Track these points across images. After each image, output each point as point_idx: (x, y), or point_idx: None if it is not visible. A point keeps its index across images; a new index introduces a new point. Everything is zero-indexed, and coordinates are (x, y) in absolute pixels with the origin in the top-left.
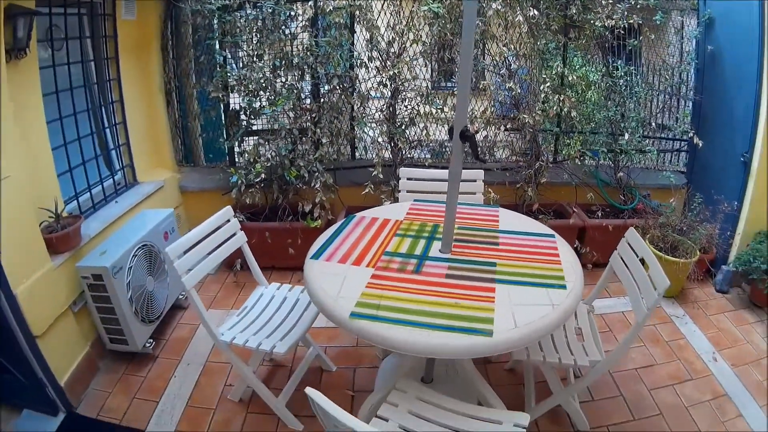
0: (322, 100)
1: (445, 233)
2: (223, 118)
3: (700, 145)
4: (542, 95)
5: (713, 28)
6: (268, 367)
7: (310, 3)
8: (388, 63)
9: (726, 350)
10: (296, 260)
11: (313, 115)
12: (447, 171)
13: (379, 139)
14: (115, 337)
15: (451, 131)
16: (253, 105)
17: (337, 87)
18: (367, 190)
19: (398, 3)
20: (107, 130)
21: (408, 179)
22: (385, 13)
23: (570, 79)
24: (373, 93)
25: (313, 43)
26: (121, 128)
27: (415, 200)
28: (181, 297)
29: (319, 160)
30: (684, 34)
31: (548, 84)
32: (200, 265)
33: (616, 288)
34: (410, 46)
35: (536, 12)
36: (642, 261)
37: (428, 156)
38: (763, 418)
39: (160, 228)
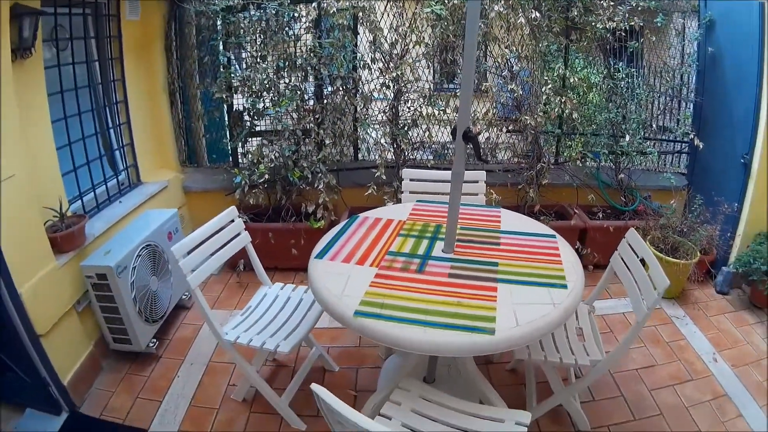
0: (325, 101)
1: (448, 233)
2: (226, 118)
3: (701, 146)
4: (544, 97)
5: (714, 30)
6: (271, 367)
7: (313, 4)
8: (391, 64)
9: (726, 351)
10: (299, 261)
11: (317, 116)
12: (449, 172)
13: (382, 141)
14: (118, 337)
15: (454, 132)
16: (257, 106)
17: (341, 88)
18: (370, 191)
19: (401, 5)
20: (111, 131)
21: (411, 180)
22: (388, 15)
23: (571, 81)
24: (376, 94)
25: (317, 44)
26: (125, 128)
27: (418, 201)
28: (184, 297)
29: (322, 161)
30: (685, 36)
31: (550, 86)
32: (204, 264)
33: (616, 289)
34: (413, 47)
35: (538, 14)
36: (642, 261)
37: (431, 157)
38: (763, 419)
39: (164, 228)
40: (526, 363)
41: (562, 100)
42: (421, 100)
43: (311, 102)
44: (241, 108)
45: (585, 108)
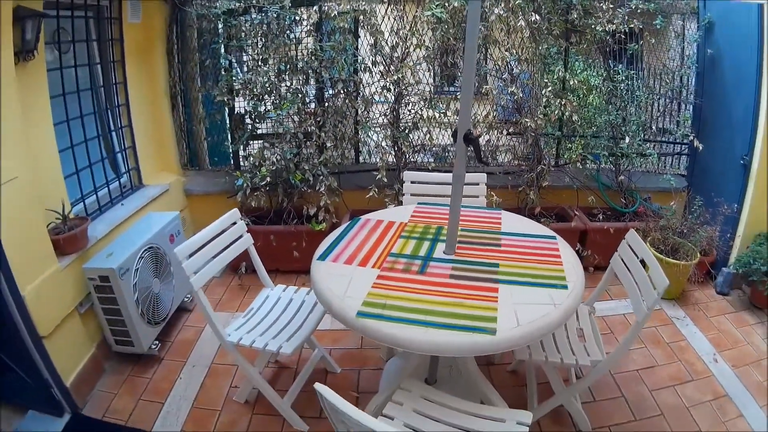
0: (326, 104)
1: (449, 235)
2: (228, 121)
3: (701, 148)
4: (544, 99)
5: (713, 32)
6: (273, 369)
7: (314, 8)
8: (392, 67)
9: (726, 351)
10: (301, 263)
11: (318, 119)
12: (450, 175)
13: (383, 143)
14: (121, 339)
15: (455, 134)
16: (258, 109)
17: (342, 91)
18: (371, 194)
19: (402, 8)
20: (113, 133)
21: (412, 182)
22: (389, 18)
23: (571, 83)
24: (377, 97)
25: (318, 47)
26: (126, 131)
27: (419, 203)
28: (186, 299)
29: (323, 163)
30: (685, 38)
31: (550, 88)
32: (207, 266)
33: (617, 291)
34: (414, 50)
35: (538, 17)
36: (642, 263)
37: (431, 160)
38: (764, 418)
39: (166, 230)
40: (527, 364)
41: (562, 103)
42: (422, 103)
43: (312, 105)
44: (242, 111)
45: (585, 110)
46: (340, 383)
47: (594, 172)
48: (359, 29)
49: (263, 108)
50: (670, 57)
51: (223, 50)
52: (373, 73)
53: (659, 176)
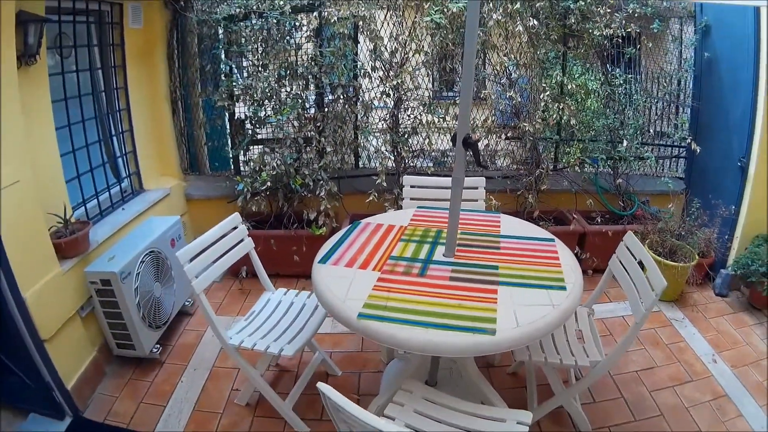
0: (326, 109)
1: (449, 237)
2: (228, 126)
3: (698, 150)
4: (542, 104)
5: (710, 35)
6: (274, 372)
7: (314, 14)
8: (391, 73)
9: (725, 352)
10: (301, 267)
11: (318, 125)
12: (450, 179)
13: (383, 148)
14: (122, 342)
15: (454, 139)
16: (259, 114)
17: (341, 96)
18: (371, 198)
19: (401, 13)
20: (114, 138)
21: (411, 186)
22: (388, 24)
23: (569, 87)
24: (376, 102)
25: (318, 53)
26: (127, 136)
27: (418, 207)
28: (187, 303)
29: (323, 168)
30: (682, 41)
31: (548, 93)
32: (209, 270)
33: (616, 293)
34: (413, 56)
35: (536, 22)
36: (641, 264)
37: (431, 164)
38: (763, 418)
39: (167, 235)
40: (527, 365)
41: (561, 107)
42: (421, 107)
43: (312, 110)
44: (242, 116)
45: (583, 114)
46: (340, 386)
47: (592, 176)
48: (359, 35)
49: (263, 113)
50: (667, 60)
51: (223, 55)
52: (373, 78)
53: (657, 179)
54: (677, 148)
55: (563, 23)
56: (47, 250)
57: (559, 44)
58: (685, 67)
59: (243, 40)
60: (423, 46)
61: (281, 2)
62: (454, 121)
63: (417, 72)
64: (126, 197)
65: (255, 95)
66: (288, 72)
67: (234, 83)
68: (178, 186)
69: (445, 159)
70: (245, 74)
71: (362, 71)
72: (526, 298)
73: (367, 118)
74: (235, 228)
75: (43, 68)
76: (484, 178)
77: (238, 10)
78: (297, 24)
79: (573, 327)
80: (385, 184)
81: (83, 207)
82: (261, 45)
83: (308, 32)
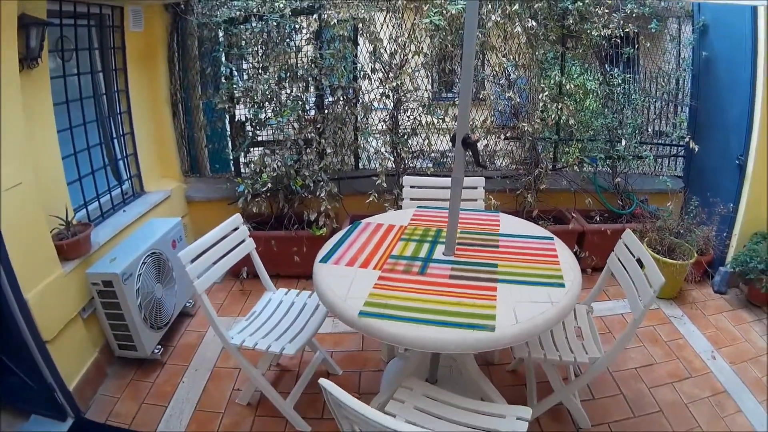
0: (326, 111)
1: (449, 236)
2: (228, 128)
3: (697, 149)
4: (541, 104)
5: (708, 35)
6: (275, 372)
7: (314, 16)
8: (391, 74)
9: (724, 348)
10: (302, 268)
11: (318, 126)
12: (449, 179)
13: (383, 149)
14: (123, 344)
15: (453, 139)
16: (259, 116)
17: (341, 98)
18: (371, 199)
19: (400, 15)
20: (115, 140)
21: (411, 187)
22: (388, 26)
23: (568, 87)
24: (376, 104)
25: (318, 55)
26: (128, 138)
27: (418, 207)
28: (188, 305)
29: (323, 169)
30: (680, 41)
31: (547, 93)
32: (210, 270)
33: (614, 291)
34: (412, 57)
35: (534, 23)
36: (639, 262)
37: (430, 165)
38: (762, 413)
39: (168, 236)
40: (526, 362)
41: (559, 107)
42: (421, 109)
43: (312, 112)
44: (243, 118)
45: (581, 114)
46: (341, 385)
47: (591, 175)
48: (358, 37)
49: (264, 115)
50: (665, 60)
51: (223, 58)
52: (373, 80)
53: (656, 178)
54: (676, 147)
55: (561, 24)
56: (49, 252)
57: (557, 45)
58: (683, 66)
59: (243, 42)
60: (422, 48)
61: (281, 5)
62: (453, 122)
63: (416, 73)
64: (127, 199)
65: (255, 97)
66: (288, 74)
67: (234, 86)
68: (179, 188)
69: (445, 159)
70: (245, 77)
71: (362, 73)
72: (525, 296)
73: (367, 119)
74: (236, 229)
75: (45, 71)
76: (483, 178)
77: (238, 13)
78: (297, 26)
79: (572, 324)
80: (385, 184)
81: (85, 209)
82: (261, 47)
83: (308, 35)
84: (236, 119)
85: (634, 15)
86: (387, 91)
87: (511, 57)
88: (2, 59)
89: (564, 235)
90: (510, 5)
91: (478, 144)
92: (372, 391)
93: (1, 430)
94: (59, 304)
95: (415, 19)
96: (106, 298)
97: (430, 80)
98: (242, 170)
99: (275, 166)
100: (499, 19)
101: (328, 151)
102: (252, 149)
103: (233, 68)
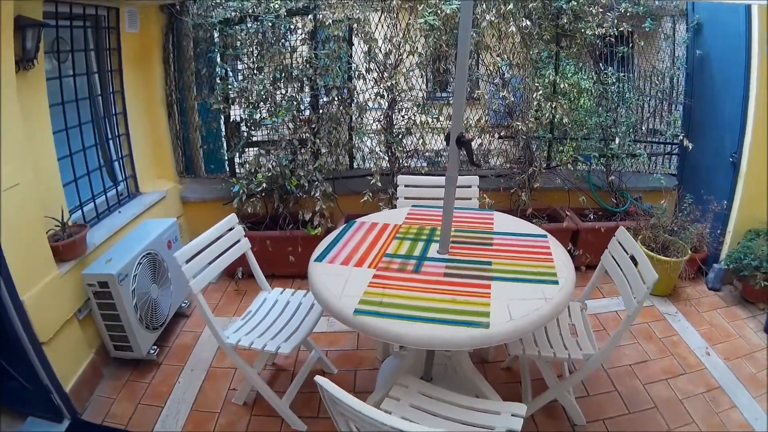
0: (321, 111)
1: (443, 234)
2: (223, 129)
3: (690, 147)
4: (535, 103)
5: (702, 33)
6: (271, 371)
7: (309, 16)
8: (386, 74)
9: (719, 345)
10: (297, 268)
11: (313, 126)
12: (443, 178)
13: (377, 149)
14: (119, 344)
15: (447, 138)
16: (254, 116)
17: (336, 98)
18: (365, 198)
19: (395, 16)
20: (110, 142)
21: (405, 186)
22: (383, 26)
23: (562, 86)
24: (370, 104)
25: (313, 55)
26: (124, 139)
27: (413, 206)
28: (183, 305)
29: (318, 169)
30: (674, 39)
31: (541, 92)
32: (206, 270)
33: (609, 289)
34: (407, 57)
35: (529, 22)
36: (633, 259)
37: (425, 164)
38: (756, 408)
39: (163, 237)
40: (521, 359)
41: (554, 106)
42: (415, 108)
43: (307, 112)
44: (238, 119)
45: (576, 113)
46: (337, 383)
47: (585, 174)
48: (353, 37)
49: (259, 115)
50: (659, 59)
51: (219, 59)
52: (367, 80)
53: (650, 176)
54: (670, 145)
55: (556, 23)
56: (45, 253)
57: (551, 44)
58: (677, 65)
59: (238, 43)
60: (417, 48)
61: (276, 5)
62: (447, 122)
63: (411, 73)
64: (122, 200)
65: (250, 98)
66: (283, 74)
67: (229, 86)
68: (174, 189)
69: (439, 159)
70: (240, 77)
71: (357, 73)
72: (518, 293)
73: (362, 119)
74: (231, 229)
75: (41, 73)
76: (477, 177)
77: (233, 13)
78: (292, 27)
79: (566, 322)
80: (379, 184)
81: (80, 210)
82: (256, 48)
83: (303, 35)
84: (231, 120)
85: (628, 14)
86: (382, 90)
87: (506, 56)
88: (0, 61)
89: (558, 234)
90: (504, 5)
91: (473, 143)
92: (367, 390)
93: None
94: (55, 306)
95: (409, 19)
96: (101, 299)
97: (425, 80)
98: (237, 170)
99: (270, 166)
100: (493, 18)
101: (323, 150)
102: (247, 149)
103: (228, 69)
